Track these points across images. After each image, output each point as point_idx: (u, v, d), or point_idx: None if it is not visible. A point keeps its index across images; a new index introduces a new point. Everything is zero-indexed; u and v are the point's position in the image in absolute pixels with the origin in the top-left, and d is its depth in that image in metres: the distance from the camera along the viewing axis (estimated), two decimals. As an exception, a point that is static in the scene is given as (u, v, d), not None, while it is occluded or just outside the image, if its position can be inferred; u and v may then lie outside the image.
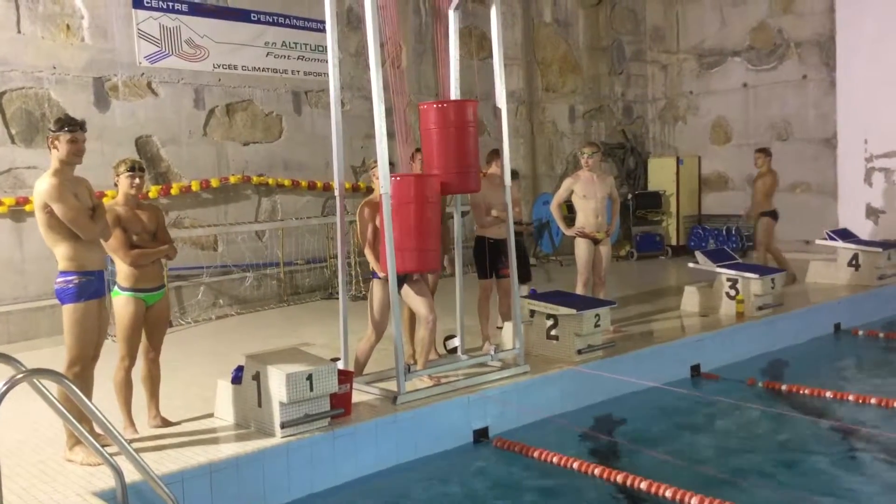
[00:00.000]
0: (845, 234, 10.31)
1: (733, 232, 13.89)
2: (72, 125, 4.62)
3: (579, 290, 7.74)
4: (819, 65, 13.22)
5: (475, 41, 12.67)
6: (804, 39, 13.36)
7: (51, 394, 3.81)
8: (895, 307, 9.60)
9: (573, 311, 6.57)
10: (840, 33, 12.80)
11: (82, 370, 4.69)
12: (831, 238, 10.18)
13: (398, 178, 5.73)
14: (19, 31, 8.79)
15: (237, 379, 5.27)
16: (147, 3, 9.66)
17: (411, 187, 5.70)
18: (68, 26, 9.13)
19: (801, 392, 6.71)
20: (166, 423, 5.34)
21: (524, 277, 7.85)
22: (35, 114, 8.87)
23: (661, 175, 14.92)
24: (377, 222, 5.87)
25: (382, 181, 5.53)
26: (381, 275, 5.89)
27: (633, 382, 6.50)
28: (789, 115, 13.64)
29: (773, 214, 10.33)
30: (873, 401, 6.37)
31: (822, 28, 13.09)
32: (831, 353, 8.35)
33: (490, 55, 6.33)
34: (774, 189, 10.33)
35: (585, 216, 7.78)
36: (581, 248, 7.79)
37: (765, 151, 10.44)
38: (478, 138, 6.15)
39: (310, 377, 4.88)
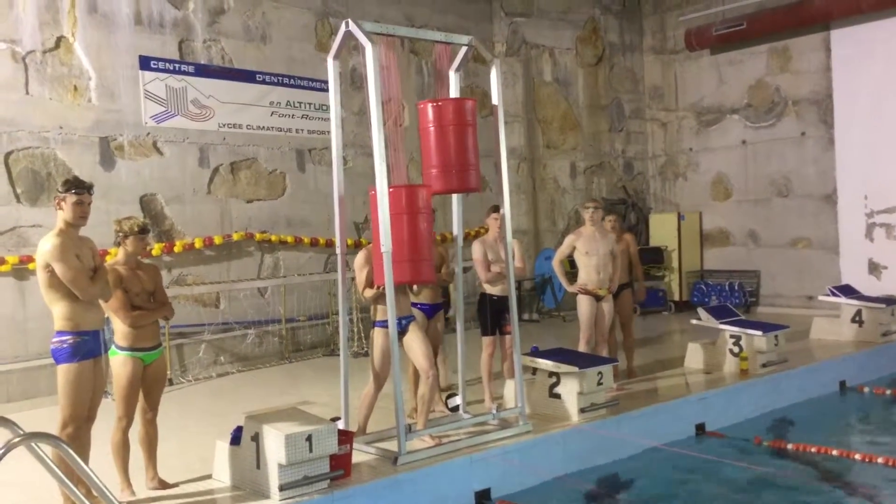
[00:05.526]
0: (848, 290, 10.27)
1: (736, 288, 13.87)
2: (79, 187, 4.70)
3: (582, 348, 7.70)
4: (817, 122, 13.34)
5: (477, 99, 12.84)
6: (802, 97, 13.51)
7: (47, 456, 3.77)
8: (901, 363, 9.53)
9: (575, 369, 6.52)
10: (837, 91, 12.98)
11: (76, 431, 4.66)
12: (834, 294, 10.13)
13: (389, 190, 5.67)
14: (27, 93, 8.93)
15: (236, 440, 5.21)
16: (154, 65, 9.83)
17: (402, 198, 5.70)
18: (76, 87, 9.27)
19: (808, 450, 6.61)
20: (164, 484, 5.27)
21: None
22: (41, 173, 8.96)
23: (662, 231, 14.96)
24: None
25: (383, 238, 5.55)
26: (366, 296, 5.91)
27: (637, 442, 6.42)
28: (789, 172, 13.72)
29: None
30: (880, 460, 6.28)
31: (819, 86, 13.25)
32: (837, 411, 8.26)
33: (491, 113, 6.40)
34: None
35: (587, 273, 7.77)
36: (583, 305, 7.76)
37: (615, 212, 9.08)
38: (477, 138, 6.09)
39: (309, 438, 4.83)
